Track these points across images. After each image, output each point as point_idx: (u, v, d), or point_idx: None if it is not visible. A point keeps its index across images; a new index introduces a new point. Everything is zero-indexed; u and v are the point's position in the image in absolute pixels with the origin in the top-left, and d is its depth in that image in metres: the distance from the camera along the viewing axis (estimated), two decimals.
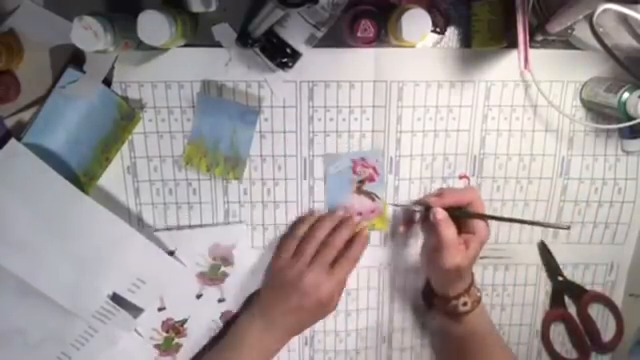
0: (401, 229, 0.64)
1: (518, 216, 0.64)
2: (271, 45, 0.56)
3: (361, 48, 0.57)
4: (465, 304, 0.57)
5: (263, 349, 0.59)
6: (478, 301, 0.58)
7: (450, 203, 0.58)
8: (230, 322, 0.64)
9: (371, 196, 0.61)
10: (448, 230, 0.55)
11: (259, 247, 0.64)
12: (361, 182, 0.62)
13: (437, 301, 0.60)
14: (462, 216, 0.58)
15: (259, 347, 0.59)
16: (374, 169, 0.61)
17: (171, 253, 0.62)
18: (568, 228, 0.55)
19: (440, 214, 0.56)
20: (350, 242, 0.60)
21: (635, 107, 0.53)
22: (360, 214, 0.63)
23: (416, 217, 0.63)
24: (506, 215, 0.64)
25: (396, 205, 0.62)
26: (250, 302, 0.64)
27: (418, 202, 0.62)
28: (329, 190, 0.62)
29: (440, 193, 0.60)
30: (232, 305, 0.65)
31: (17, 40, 0.56)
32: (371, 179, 0.61)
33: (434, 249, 0.57)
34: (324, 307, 0.60)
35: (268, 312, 0.59)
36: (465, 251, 0.56)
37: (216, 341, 0.64)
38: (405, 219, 0.63)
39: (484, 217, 0.56)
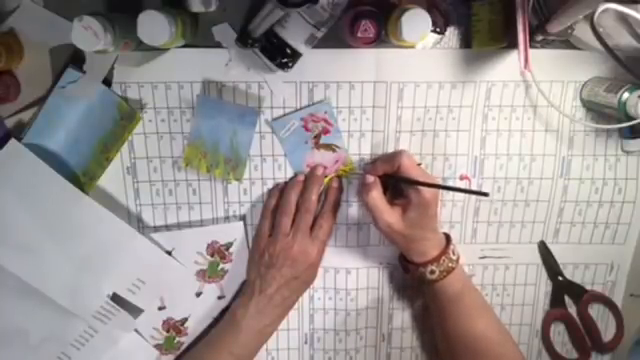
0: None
1: (519, 217, 0.65)
2: (271, 45, 0.56)
3: (361, 48, 0.57)
4: (433, 272, 0.57)
5: (259, 330, 0.60)
6: (448, 271, 0.58)
7: (382, 170, 0.58)
8: (225, 310, 0.65)
9: (331, 147, 0.61)
10: (369, 193, 0.56)
11: None
12: (317, 137, 0.61)
13: (408, 266, 0.60)
14: (391, 181, 0.59)
15: (256, 329, 0.60)
16: (325, 121, 0.60)
17: (168, 253, 0.62)
18: (487, 195, 0.56)
19: (367, 179, 0.57)
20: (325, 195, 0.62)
21: (635, 107, 0.53)
22: (326, 168, 0.62)
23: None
24: (506, 215, 0.65)
25: (354, 174, 0.63)
26: (241, 290, 0.64)
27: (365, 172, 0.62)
28: (289, 154, 0.62)
29: (374, 161, 0.61)
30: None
31: (17, 40, 0.56)
32: (326, 131, 0.61)
33: (369, 214, 0.58)
34: (315, 269, 0.62)
35: (262, 291, 0.60)
36: (400, 214, 0.56)
37: None
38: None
39: (409, 182, 0.56)
